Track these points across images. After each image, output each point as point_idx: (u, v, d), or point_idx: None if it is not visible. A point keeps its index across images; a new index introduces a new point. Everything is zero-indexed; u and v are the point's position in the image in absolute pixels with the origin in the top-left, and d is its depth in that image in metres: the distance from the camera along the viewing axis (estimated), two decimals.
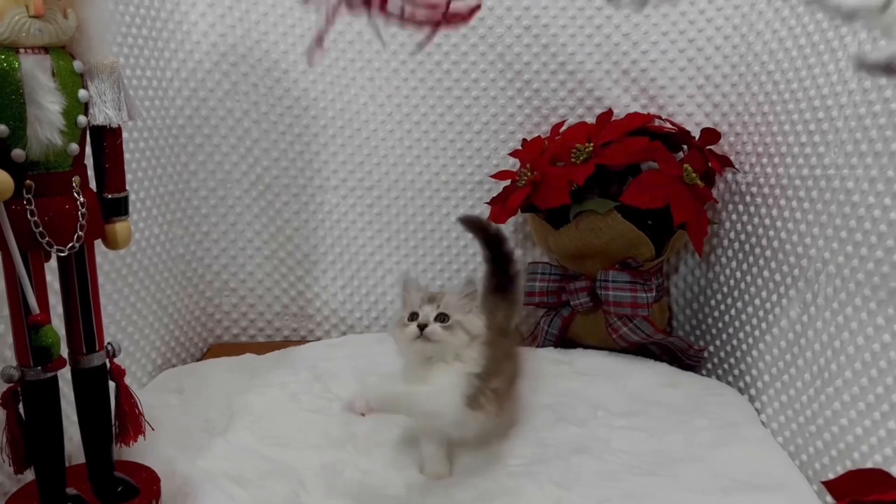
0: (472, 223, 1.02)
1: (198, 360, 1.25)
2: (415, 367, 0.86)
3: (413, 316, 0.84)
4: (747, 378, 1.05)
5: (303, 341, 1.30)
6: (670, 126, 1.17)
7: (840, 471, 0.81)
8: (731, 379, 1.11)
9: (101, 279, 0.96)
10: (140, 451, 0.80)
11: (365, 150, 1.28)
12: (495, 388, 0.86)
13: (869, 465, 0.77)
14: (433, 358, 0.84)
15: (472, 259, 1.31)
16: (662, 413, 1.00)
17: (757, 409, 1.01)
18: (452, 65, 1.24)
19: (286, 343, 1.29)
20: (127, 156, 1.02)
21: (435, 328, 0.82)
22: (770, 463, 0.88)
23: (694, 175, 1.08)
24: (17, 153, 0.60)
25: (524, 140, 1.25)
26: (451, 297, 0.86)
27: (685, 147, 1.16)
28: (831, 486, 0.55)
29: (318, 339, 1.32)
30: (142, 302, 1.09)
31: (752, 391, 1.03)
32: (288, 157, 1.27)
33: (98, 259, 0.94)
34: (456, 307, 0.85)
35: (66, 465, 0.73)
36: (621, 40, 1.21)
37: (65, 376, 0.70)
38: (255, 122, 1.25)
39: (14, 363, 0.65)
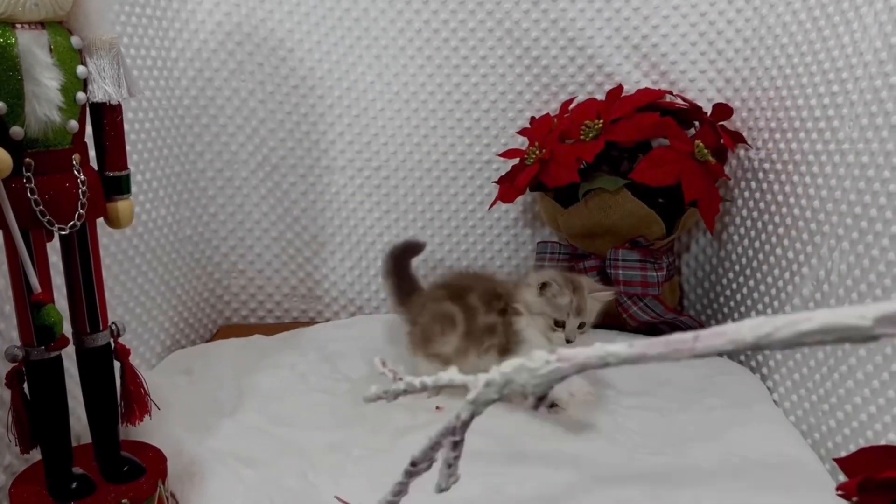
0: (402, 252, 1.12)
1: (207, 341, 1.25)
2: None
3: (558, 323, 0.92)
4: (759, 357, 1.04)
5: (311, 322, 1.29)
6: (681, 102, 1.15)
7: (853, 449, 0.80)
8: (742, 358, 1.09)
9: (108, 260, 0.97)
10: (148, 431, 0.80)
11: (372, 129, 1.26)
12: None
13: (882, 443, 0.76)
14: None
15: (480, 239, 1.31)
16: (673, 392, 0.99)
17: (769, 388, 1.00)
18: (460, 42, 1.22)
19: (295, 324, 1.29)
20: (132, 137, 1.03)
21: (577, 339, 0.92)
22: (782, 442, 0.87)
23: (706, 151, 1.06)
24: (16, 131, 0.59)
25: (532, 118, 1.23)
26: (594, 304, 0.93)
27: (697, 123, 1.15)
28: (843, 463, 0.54)
29: (327, 320, 1.32)
30: (150, 283, 1.09)
31: (764, 370, 1.02)
32: (294, 137, 1.26)
33: (105, 240, 0.95)
34: (593, 311, 0.93)
35: (74, 444, 0.73)
36: (631, 15, 1.19)
37: (71, 356, 0.70)
38: (261, 102, 1.24)
39: (19, 343, 0.65)
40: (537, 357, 0.44)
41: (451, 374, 0.54)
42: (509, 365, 0.46)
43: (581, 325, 0.92)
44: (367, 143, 1.27)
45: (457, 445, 0.51)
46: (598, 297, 0.93)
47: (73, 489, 0.67)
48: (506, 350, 0.95)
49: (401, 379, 0.58)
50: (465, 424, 0.50)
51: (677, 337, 0.36)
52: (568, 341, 0.91)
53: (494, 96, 1.25)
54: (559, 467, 0.82)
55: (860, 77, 0.86)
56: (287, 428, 0.91)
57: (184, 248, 1.20)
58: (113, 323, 0.70)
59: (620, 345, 0.38)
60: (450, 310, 0.98)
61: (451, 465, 0.52)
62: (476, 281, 1.02)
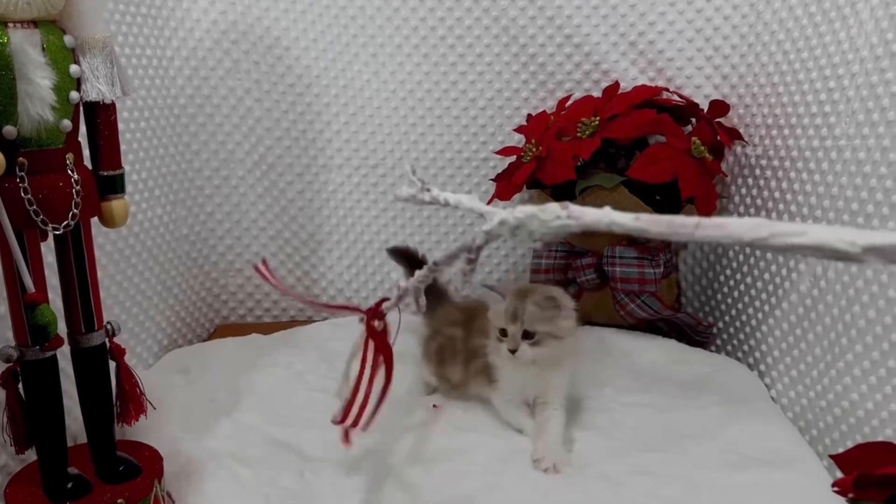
0: (398, 253, 1.11)
1: (204, 340, 1.25)
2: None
3: (503, 332, 0.86)
4: (757, 354, 1.04)
5: (309, 321, 1.29)
6: (678, 98, 1.15)
7: (850, 445, 0.79)
8: (740, 355, 1.09)
9: (104, 260, 0.97)
10: (145, 431, 0.80)
11: (368, 127, 1.26)
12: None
13: (880, 439, 0.76)
14: (538, 366, 0.87)
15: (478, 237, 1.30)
16: (671, 390, 0.99)
17: (767, 385, 1.00)
18: (456, 39, 1.22)
19: (292, 323, 1.28)
20: (128, 136, 1.02)
21: (524, 349, 0.85)
22: (780, 438, 0.87)
23: (702, 148, 1.06)
24: (9, 130, 0.58)
25: (529, 115, 1.23)
26: (533, 308, 0.86)
27: (693, 120, 1.15)
28: (840, 459, 0.54)
29: (325, 319, 1.31)
30: (146, 283, 1.09)
31: (762, 367, 1.02)
32: (291, 136, 1.26)
33: (101, 239, 0.95)
34: (540, 318, 0.86)
35: (71, 444, 0.73)
36: (628, 11, 1.19)
37: (67, 356, 0.70)
38: (258, 101, 1.23)
39: (13, 343, 0.65)
40: (549, 209, 0.46)
41: (474, 202, 0.62)
42: (523, 211, 0.50)
43: (530, 336, 0.85)
44: (363, 141, 1.27)
45: (471, 261, 0.60)
46: (537, 304, 0.85)
47: (69, 489, 0.67)
48: (487, 373, 0.93)
49: (428, 190, 0.66)
50: (479, 248, 0.57)
51: (680, 220, 0.38)
52: (512, 352, 0.85)
53: (491, 94, 1.24)
54: None
55: (856, 73, 0.86)
56: (284, 427, 0.90)
57: (180, 247, 1.20)
58: (108, 322, 0.70)
59: (628, 215, 0.40)
60: (456, 336, 0.97)
61: (465, 275, 0.61)
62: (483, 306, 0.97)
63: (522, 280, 1.32)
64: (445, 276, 0.66)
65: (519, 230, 0.52)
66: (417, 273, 0.67)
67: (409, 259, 1.12)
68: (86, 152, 0.67)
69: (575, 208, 0.46)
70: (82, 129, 0.66)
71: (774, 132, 1.03)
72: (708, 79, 1.19)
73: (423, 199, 0.66)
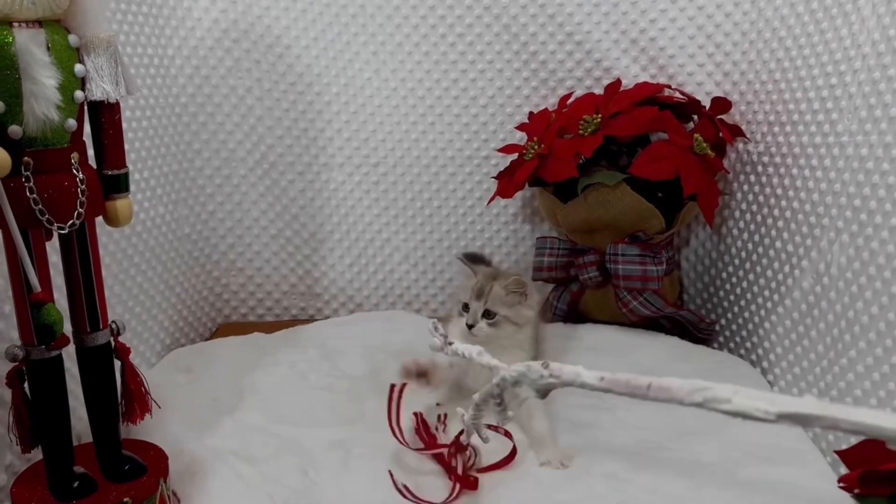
0: (472, 259, 1.13)
1: (206, 339, 1.25)
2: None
3: (465, 307, 0.92)
4: (760, 350, 1.04)
5: (311, 320, 1.29)
6: (680, 95, 1.15)
7: (854, 442, 0.80)
8: (743, 352, 1.10)
9: (107, 259, 0.97)
10: (148, 430, 0.80)
11: (370, 126, 1.26)
12: None
13: None
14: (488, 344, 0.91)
15: (479, 235, 1.30)
16: None
17: (770, 382, 1.00)
18: (457, 37, 1.22)
19: (294, 322, 1.28)
20: (130, 135, 1.03)
21: (482, 327, 0.91)
22: (783, 435, 0.86)
23: (704, 145, 1.06)
24: (14, 130, 0.59)
25: (531, 113, 1.23)
26: (499, 290, 0.91)
27: (695, 117, 1.15)
28: (845, 455, 0.55)
29: (327, 317, 1.31)
30: (149, 282, 1.09)
31: (765, 363, 1.02)
32: (292, 134, 1.26)
33: (104, 239, 0.95)
34: (503, 302, 0.91)
35: (75, 443, 0.73)
36: (629, 9, 1.19)
37: (72, 355, 0.70)
38: (259, 100, 1.23)
39: (19, 342, 0.65)
40: (534, 369, 0.58)
41: (483, 357, 0.73)
42: (516, 370, 0.61)
43: (490, 315, 0.90)
44: (364, 139, 1.27)
45: (499, 404, 0.71)
46: (504, 287, 0.90)
47: (75, 488, 0.67)
48: None
49: (451, 343, 0.78)
50: (500, 395, 0.69)
51: (636, 381, 0.48)
52: (469, 326, 0.90)
53: (492, 91, 1.24)
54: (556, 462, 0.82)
55: (858, 69, 0.86)
56: (287, 426, 0.90)
57: (182, 246, 1.20)
58: (113, 321, 0.70)
59: (594, 374, 0.52)
60: None
61: (500, 414, 0.73)
62: None
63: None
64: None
65: (518, 384, 0.65)
66: (470, 412, 0.76)
67: (483, 264, 1.14)
68: (90, 152, 0.68)
69: (554, 367, 0.58)
70: (86, 128, 0.66)
71: (776, 129, 1.04)
72: (709, 76, 1.19)
73: (447, 352, 0.79)
